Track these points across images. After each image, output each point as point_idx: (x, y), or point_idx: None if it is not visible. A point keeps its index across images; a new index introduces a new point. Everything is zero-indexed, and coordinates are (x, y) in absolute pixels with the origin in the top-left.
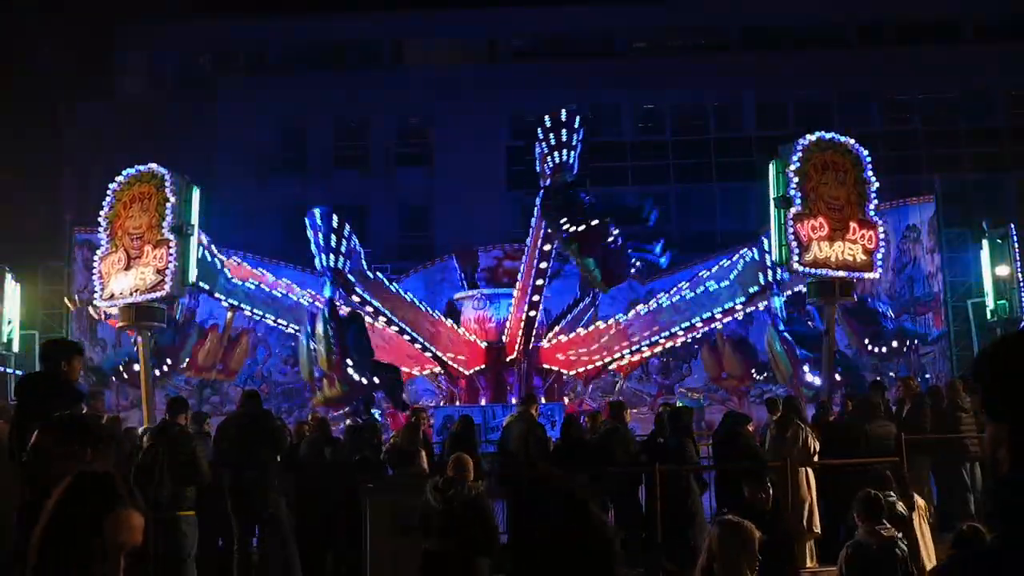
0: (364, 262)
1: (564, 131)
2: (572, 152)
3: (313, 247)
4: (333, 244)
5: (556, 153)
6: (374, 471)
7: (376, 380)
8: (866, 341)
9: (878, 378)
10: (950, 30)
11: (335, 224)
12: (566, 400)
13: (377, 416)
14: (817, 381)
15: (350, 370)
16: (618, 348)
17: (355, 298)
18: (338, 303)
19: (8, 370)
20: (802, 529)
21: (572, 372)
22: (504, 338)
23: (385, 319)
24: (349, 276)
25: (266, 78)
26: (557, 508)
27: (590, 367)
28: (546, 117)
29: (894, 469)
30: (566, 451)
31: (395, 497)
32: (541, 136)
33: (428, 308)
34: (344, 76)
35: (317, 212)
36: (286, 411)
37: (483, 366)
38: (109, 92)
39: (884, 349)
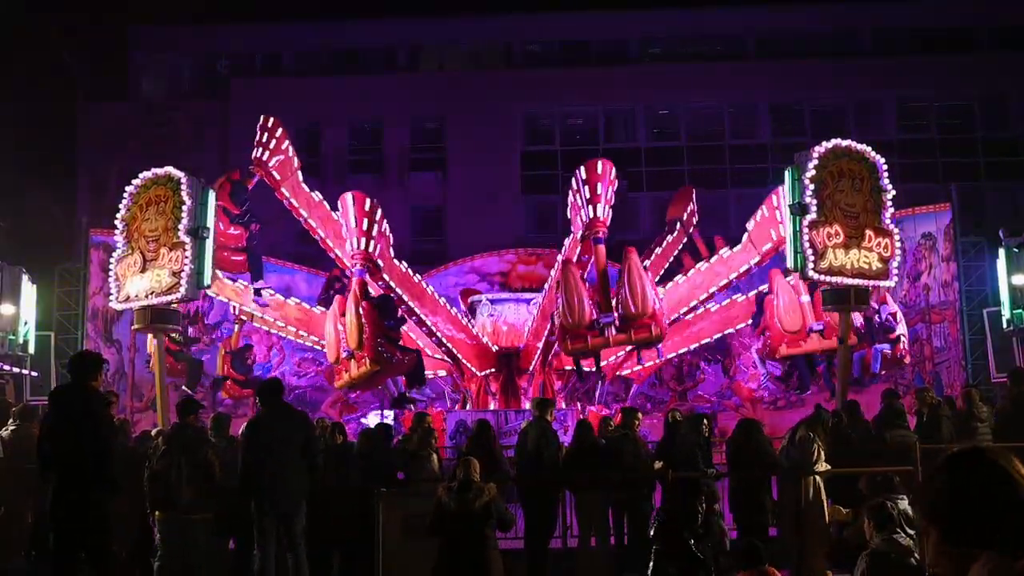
0: (391, 251)
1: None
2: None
3: (344, 230)
4: (365, 227)
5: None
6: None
7: (404, 359)
8: None
9: (891, 387)
10: (967, 37)
11: (367, 207)
12: (578, 406)
13: (391, 419)
14: None
15: (380, 348)
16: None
17: (380, 284)
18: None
19: (24, 371)
20: (817, 537)
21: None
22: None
23: (407, 310)
24: (378, 261)
25: (281, 82)
26: None
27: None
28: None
29: (909, 477)
30: (578, 456)
31: (408, 500)
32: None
33: (449, 306)
34: (359, 80)
35: (349, 196)
36: None
37: (493, 370)
38: (124, 94)
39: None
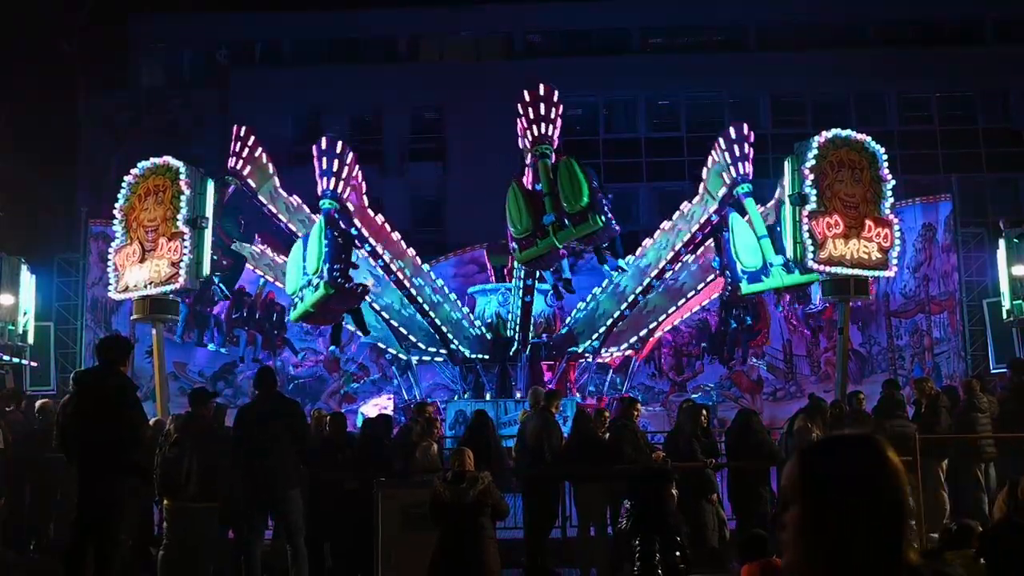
0: (366, 198)
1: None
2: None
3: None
4: (335, 170)
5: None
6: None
7: (356, 290)
8: None
9: (891, 377)
10: (968, 29)
11: (338, 151)
12: (578, 395)
13: (391, 409)
14: None
15: (336, 273)
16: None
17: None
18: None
19: (23, 362)
20: None
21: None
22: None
23: (382, 262)
24: (348, 205)
25: (281, 71)
26: None
27: (616, 353)
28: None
29: (907, 467)
30: (576, 447)
31: (408, 491)
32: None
33: (435, 276)
34: (359, 70)
35: (324, 139)
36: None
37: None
38: (124, 83)
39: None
